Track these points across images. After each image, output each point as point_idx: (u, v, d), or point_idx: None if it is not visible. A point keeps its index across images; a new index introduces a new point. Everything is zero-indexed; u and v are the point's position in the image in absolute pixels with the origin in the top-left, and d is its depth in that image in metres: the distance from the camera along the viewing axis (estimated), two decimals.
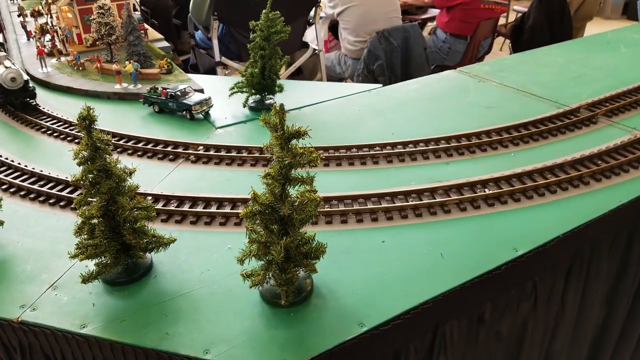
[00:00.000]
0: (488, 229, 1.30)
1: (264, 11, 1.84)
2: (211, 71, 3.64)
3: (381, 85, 2.31)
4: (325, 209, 1.36)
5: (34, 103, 1.98)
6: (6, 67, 1.93)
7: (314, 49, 4.00)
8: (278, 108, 0.89)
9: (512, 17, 6.35)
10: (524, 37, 5.16)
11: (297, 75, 4.35)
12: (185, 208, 1.31)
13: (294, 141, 0.92)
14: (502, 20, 6.63)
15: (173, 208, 1.31)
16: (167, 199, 1.36)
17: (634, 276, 1.56)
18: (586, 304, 1.49)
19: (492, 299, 1.23)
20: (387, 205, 1.38)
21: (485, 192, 1.43)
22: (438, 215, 1.36)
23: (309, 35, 4.31)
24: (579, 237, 1.33)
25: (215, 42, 3.39)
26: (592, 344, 1.68)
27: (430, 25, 5.25)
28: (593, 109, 1.93)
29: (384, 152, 1.66)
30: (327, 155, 1.64)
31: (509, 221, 1.34)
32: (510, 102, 2.05)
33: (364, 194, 1.42)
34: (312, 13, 3.93)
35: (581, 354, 1.67)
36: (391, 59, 4.33)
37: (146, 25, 2.85)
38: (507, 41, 5.70)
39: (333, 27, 4.63)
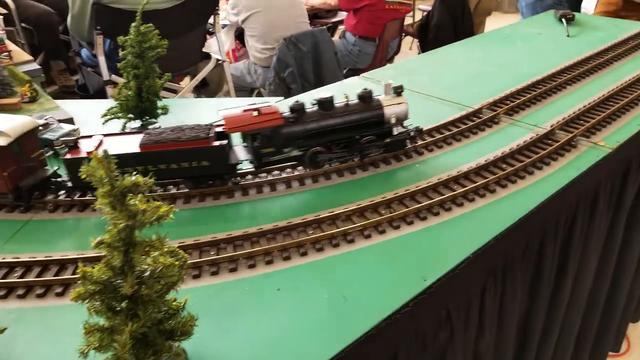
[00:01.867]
0: (395, 257, 1.17)
1: (133, 24, 1.61)
2: (101, 91, 3.31)
3: (283, 97, 2.15)
4: (211, 257, 1.16)
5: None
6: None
7: (218, 60, 3.77)
8: (102, 155, 0.69)
9: (418, 16, 6.46)
10: (430, 36, 5.23)
11: (203, 88, 4.10)
12: (31, 277, 1.06)
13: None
14: (409, 20, 6.73)
15: (15, 280, 1.05)
16: (10, 266, 1.10)
17: (548, 280, 1.50)
18: (505, 316, 1.41)
19: (404, 339, 1.09)
20: (283, 243, 1.21)
21: (390, 213, 1.30)
22: (340, 247, 1.21)
23: (213, 46, 4.07)
24: (491, 252, 1.23)
25: (101, 59, 3.07)
26: (516, 349, 1.62)
27: (342, 29, 5.19)
28: (495, 108, 1.87)
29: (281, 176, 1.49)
30: (213, 189, 1.43)
31: (416, 244, 1.22)
32: (414, 107, 1.92)
33: (257, 232, 1.24)
34: (211, 21, 3.70)
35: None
36: (302, 66, 4.19)
37: (12, 46, 2.50)
38: (416, 40, 5.76)
39: (241, 35, 4.43)
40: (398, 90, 1.51)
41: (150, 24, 1.64)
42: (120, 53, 1.63)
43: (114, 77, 3.14)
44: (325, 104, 1.43)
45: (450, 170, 1.50)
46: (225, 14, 4.17)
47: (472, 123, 1.77)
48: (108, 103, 2.82)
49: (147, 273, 0.75)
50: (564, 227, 1.50)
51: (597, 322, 2.00)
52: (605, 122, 1.76)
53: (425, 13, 5.43)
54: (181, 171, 1.35)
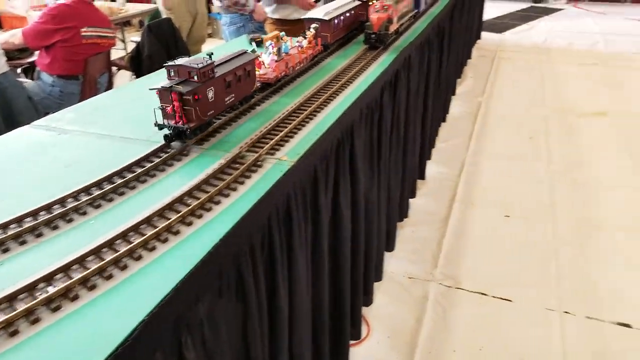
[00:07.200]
0: (48, 351, 0.95)
1: None
2: None
3: None
4: None
5: None
6: None
7: None
8: None
9: (132, 48, 6.19)
10: (145, 67, 5.04)
11: None
12: None
13: None
14: (121, 53, 6.41)
15: None
16: None
17: (257, 307, 1.47)
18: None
19: None
20: None
21: (48, 292, 1.07)
22: None
23: None
24: (179, 302, 1.12)
25: None
26: None
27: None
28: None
29: None
30: None
31: (82, 324, 1.01)
32: (96, 153, 1.75)
33: None
34: None
35: None
36: None
37: None
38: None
39: None
40: None
41: None
42: None
43: None
44: None
45: (134, 217, 1.34)
46: None
47: (159, 159, 1.65)
48: None
49: None
50: (262, 249, 1.50)
51: (328, 320, 2.12)
52: (288, 137, 1.86)
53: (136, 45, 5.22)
54: None
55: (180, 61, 1.66)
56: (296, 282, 1.71)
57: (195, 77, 1.63)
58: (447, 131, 5.11)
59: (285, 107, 2.08)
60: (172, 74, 1.66)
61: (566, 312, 2.84)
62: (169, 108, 1.65)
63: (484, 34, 8.58)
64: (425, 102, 3.92)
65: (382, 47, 2.93)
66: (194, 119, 1.68)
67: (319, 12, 2.74)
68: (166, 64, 1.67)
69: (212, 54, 1.75)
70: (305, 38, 2.54)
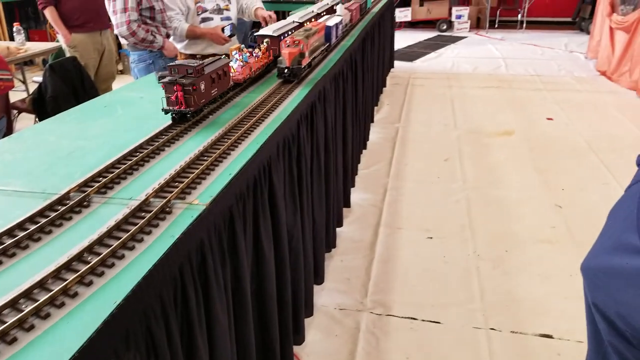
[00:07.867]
0: None
1: None
2: None
3: None
4: None
5: None
6: None
7: None
8: None
9: (33, 88, 5.82)
10: (49, 109, 4.75)
11: None
12: None
13: None
14: (22, 95, 6.02)
15: None
16: None
17: None
18: None
19: None
20: None
21: None
22: None
23: None
24: None
25: None
26: None
27: None
28: (85, 189, 1.66)
29: None
30: None
31: None
32: None
33: None
34: None
35: None
36: None
37: None
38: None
39: None
40: None
41: None
42: None
43: None
44: None
45: (25, 282, 1.20)
46: None
47: (55, 213, 1.51)
48: None
49: None
50: (175, 304, 1.40)
51: None
52: (200, 179, 1.78)
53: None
54: None
55: (179, 62, 2.16)
56: (216, 331, 1.61)
57: (192, 73, 2.11)
58: (368, 158, 5.22)
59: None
60: (174, 71, 2.14)
61: (492, 328, 2.92)
62: (172, 97, 2.10)
63: (397, 63, 8.99)
64: (345, 131, 3.98)
65: (296, 81, 2.94)
66: (192, 104, 2.13)
67: (269, 30, 3.26)
68: (169, 64, 2.17)
69: (199, 56, 2.26)
70: (260, 50, 3.01)
